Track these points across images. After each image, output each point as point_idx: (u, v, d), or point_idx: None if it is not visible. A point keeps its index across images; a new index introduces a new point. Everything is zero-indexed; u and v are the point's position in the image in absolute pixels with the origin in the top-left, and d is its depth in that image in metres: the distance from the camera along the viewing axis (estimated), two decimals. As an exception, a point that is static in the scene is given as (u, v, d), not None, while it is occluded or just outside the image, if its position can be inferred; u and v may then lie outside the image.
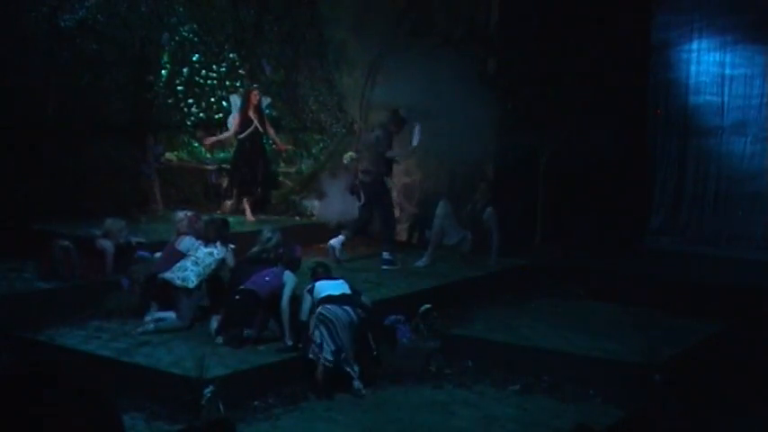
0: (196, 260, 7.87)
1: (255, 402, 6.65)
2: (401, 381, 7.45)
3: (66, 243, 8.43)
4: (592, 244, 10.93)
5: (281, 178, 11.96)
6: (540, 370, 7.54)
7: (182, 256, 8.02)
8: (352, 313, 7.17)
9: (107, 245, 8.63)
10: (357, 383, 7.07)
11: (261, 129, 10.74)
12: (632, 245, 11.50)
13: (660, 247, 11.81)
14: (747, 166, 11.68)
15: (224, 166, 11.51)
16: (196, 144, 12.12)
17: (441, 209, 10.18)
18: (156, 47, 11.43)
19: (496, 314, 8.96)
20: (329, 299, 7.22)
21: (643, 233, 12.09)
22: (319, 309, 7.14)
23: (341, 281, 7.55)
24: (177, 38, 11.64)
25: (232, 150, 11.30)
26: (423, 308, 8.18)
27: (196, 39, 11.78)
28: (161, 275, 7.81)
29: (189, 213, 8.58)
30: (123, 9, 10.97)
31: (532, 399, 7.15)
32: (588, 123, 11.21)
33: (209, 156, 12.05)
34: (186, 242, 8.18)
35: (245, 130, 10.64)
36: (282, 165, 12.27)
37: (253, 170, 10.71)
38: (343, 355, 7.04)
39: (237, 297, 7.49)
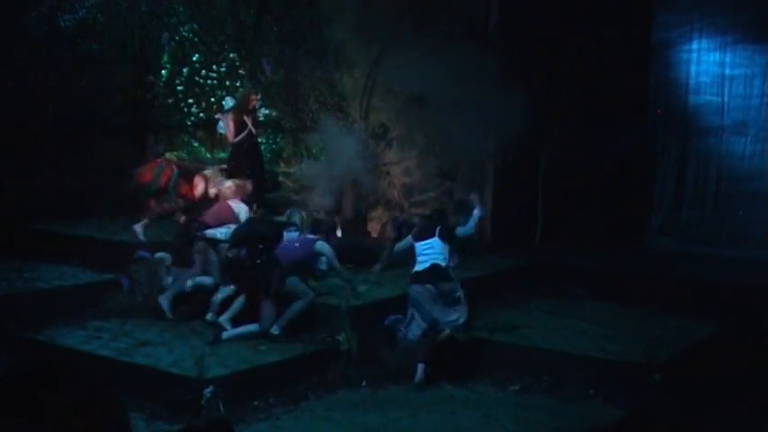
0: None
1: (255, 402, 6.65)
2: (401, 381, 7.45)
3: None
4: (592, 244, 10.92)
5: (281, 178, 11.96)
6: (540, 370, 7.54)
7: (233, 215, 8.61)
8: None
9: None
10: None
11: (254, 131, 10.69)
12: (632, 245, 11.49)
13: (660, 247, 11.80)
14: (747, 166, 11.66)
15: (223, 166, 11.48)
16: (196, 144, 12.12)
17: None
18: (156, 47, 11.43)
19: (496, 314, 8.96)
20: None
21: (643, 233, 12.08)
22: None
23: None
24: (177, 38, 11.63)
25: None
26: (423, 308, 8.17)
27: (196, 39, 11.77)
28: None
29: (237, 181, 9.16)
30: (123, 9, 10.97)
31: (532, 399, 7.15)
32: (588, 123, 11.21)
33: (209, 156, 12.05)
34: (242, 208, 8.75)
35: (241, 133, 10.58)
36: (282, 165, 12.27)
37: (253, 172, 10.66)
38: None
39: (259, 261, 7.69)
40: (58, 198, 10.03)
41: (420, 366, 7.36)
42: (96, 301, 8.17)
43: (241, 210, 8.80)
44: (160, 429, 6.13)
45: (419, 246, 8.07)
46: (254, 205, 9.56)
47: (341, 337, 7.53)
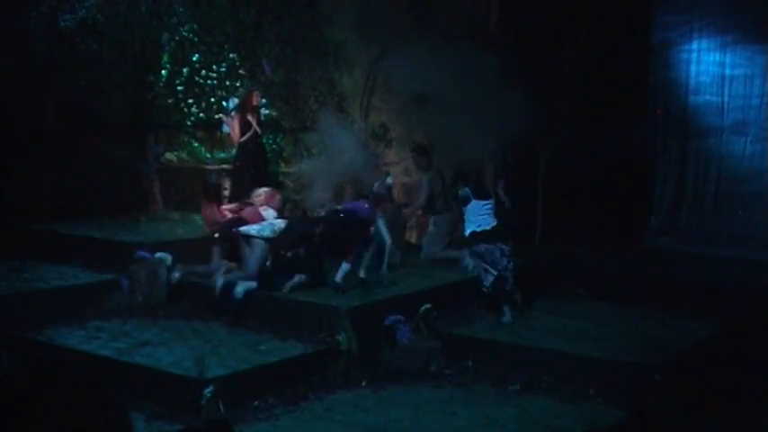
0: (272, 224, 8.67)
1: (255, 402, 6.65)
2: (401, 381, 7.45)
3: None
4: (592, 244, 10.92)
5: (281, 178, 11.96)
6: (540, 370, 7.54)
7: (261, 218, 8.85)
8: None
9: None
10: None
11: (258, 130, 10.71)
12: (632, 245, 11.49)
13: (660, 247, 11.80)
14: (747, 166, 11.66)
15: (224, 166, 11.50)
16: (196, 144, 12.12)
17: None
18: (156, 47, 11.43)
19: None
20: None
21: (643, 233, 12.08)
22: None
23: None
24: (177, 38, 11.63)
25: (233, 152, 11.24)
26: (423, 308, 8.18)
27: (196, 39, 11.76)
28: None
29: (267, 189, 9.35)
30: (123, 9, 10.98)
31: (532, 399, 7.15)
32: (588, 123, 11.22)
33: (209, 156, 12.06)
34: (270, 213, 8.94)
35: (246, 132, 10.59)
36: (282, 165, 12.27)
37: (258, 171, 10.69)
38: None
39: (342, 215, 8.38)
40: (58, 198, 10.03)
41: (506, 307, 8.24)
42: (96, 301, 8.17)
43: (269, 214, 8.97)
44: (160, 429, 6.13)
45: (479, 205, 8.36)
46: (288, 205, 9.68)
47: (341, 337, 7.53)
